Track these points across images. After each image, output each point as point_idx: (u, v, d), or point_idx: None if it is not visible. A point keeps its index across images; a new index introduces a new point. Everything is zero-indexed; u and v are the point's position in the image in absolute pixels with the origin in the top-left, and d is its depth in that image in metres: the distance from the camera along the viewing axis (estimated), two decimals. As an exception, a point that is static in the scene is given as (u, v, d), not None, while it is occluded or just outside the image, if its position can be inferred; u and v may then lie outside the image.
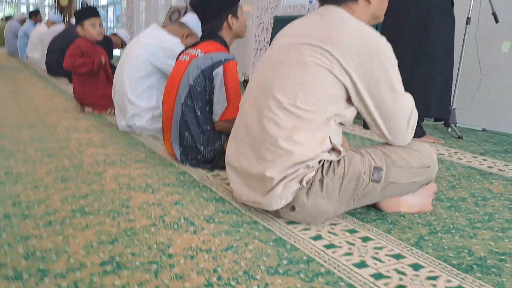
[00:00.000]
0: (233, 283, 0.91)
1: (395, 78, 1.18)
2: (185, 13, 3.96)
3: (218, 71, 1.67)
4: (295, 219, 1.23)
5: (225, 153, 1.71)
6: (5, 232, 1.10)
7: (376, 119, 1.20)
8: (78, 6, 11.55)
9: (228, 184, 1.57)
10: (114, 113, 2.74)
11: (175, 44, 2.23)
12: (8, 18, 11.04)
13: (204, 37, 1.80)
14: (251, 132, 1.24)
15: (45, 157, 1.81)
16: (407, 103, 1.21)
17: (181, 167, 1.76)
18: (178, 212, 1.28)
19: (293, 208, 1.20)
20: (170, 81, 1.81)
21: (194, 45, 1.80)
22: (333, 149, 1.20)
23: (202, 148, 1.72)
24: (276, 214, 1.26)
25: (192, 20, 2.32)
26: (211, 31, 1.77)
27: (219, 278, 0.93)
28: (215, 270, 0.96)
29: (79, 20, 2.92)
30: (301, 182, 1.16)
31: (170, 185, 1.52)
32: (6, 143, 2.02)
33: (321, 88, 1.15)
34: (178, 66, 1.79)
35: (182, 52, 1.85)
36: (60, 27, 5.53)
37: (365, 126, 2.69)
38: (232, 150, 1.31)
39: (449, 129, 2.73)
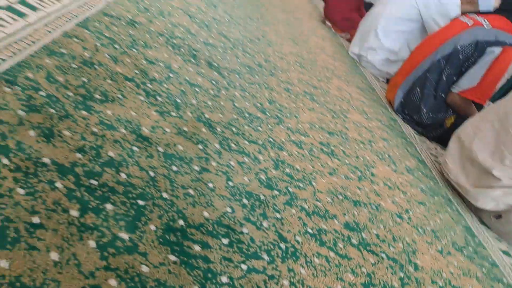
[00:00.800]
0: (420, 230, 0.92)
1: None
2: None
3: (495, 50, 1.54)
4: (490, 225, 1.15)
5: (443, 126, 1.66)
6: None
7: None
8: None
9: (432, 155, 1.52)
10: (348, 40, 2.78)
11: (453, 4, 2.10)
12: None
13: (498, 10, 1.66)
14: (506, 123, 1.14)
15: (288, 40, 1.96)
16: None
17: (393, 114, 1.75)
18: (384, 147, 1.30)
19: (498, 217, 1.12)
20: (437, 35, 1.74)
21: (481, 13, 1.68)
22: None
23: (424, 110, 1.67)
24: (474, 208, 1.19)
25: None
26: (509, 5, 1.62)
27: (409, 218, 0.94)
28: (407, 211, 0.97)
29: None
30: None
31: (381, 122, 1.54)
32: (263, 10, 2.24)
33: None
34: (454, 25, 1.70)
35: (464, 13, 1.74)
36: None
37: None
38: (472, 126, 1.24)
39: None
